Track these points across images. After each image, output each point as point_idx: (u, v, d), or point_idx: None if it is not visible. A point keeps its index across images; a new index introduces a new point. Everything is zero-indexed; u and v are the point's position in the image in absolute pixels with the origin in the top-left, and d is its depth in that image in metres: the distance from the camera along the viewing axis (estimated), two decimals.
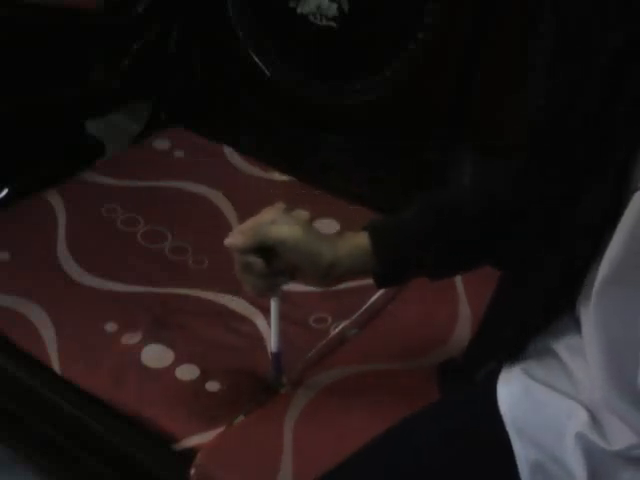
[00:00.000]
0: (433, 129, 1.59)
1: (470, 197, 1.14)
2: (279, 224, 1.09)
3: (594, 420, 0.99)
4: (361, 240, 1.12)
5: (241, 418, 1.23)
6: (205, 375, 1.29)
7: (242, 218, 1.54)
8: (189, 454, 1.20)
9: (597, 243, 0.94)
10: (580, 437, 0.98)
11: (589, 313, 0.96)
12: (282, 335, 1.22)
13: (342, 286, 1.43)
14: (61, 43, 1.66)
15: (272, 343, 1.22)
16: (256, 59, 1.72)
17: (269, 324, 1.34)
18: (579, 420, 0.99)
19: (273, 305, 1.19)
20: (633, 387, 0.95)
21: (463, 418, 1.06)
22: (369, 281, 1.43)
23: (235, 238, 1.10)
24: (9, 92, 1.61)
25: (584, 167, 0.95)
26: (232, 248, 1.10)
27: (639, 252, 0.90)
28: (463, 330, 1.36)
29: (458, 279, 1.45)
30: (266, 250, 1.09)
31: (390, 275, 1.14)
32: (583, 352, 1.00)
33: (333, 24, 1.61)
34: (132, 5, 1.74)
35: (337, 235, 1.16)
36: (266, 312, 1.35)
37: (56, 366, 1.31)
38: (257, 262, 1.10)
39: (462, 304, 1.40)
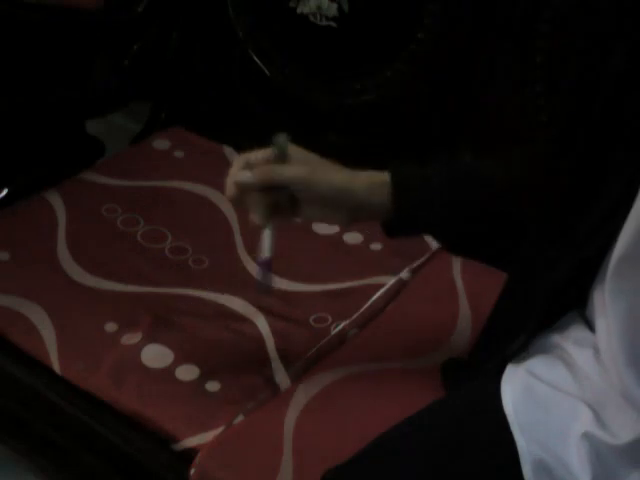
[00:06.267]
0: (433, 129, 1.59)
1: (495, 171, 1.14)
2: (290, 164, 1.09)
3: (598, 418, 0.99)
4: (382, 177, 1.11)
5: (241, 418, 1.23)
6: (205, 375, 1.29)
7: (242, 218, 1.56)
8: (189, 454, 1.20)
9: (611, 233, 0.94)
10: (586, 436, 0.98)
11: (604, 297, 0.96)
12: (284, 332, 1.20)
13: (342, 286, 1.45)
14: (61, 43, 1.66)
15: (264, 250, 1.14)
16: (256, 59, 1.72)
17: (269, 323, 1.35)
18: (583, 419, 0.99)
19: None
20: None
21: (467, 416, 1.06)
22: (369, 281, 1.45)
23: (244, 175, 1.09)
24: (9, 92, 1.61)
25: (598, 163, 0.96)
26: (244, 185, 1.09)
27: None
28: (463, 329, 1.36)
29: (458, 279, 1.45)
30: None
31: (401, 230, 1.13)
32: (591, 345, 1.00)
33: (333, 24, 1.61)
34: (132, 5, 1.74)
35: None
36: (266, 312, 1.35)
37: (56, 366, 1.31)
38: (246, 175, 1.08)
39: (462, 304, 1.40)
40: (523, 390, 1.04)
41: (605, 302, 0.97)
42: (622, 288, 0.95)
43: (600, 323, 0.99)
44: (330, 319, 1.39)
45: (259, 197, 1.09)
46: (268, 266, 1.15)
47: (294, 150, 1.11)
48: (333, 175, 1.11)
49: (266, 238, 1.14)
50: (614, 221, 0.94)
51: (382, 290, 1.43)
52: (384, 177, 1.11)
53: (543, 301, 1.03)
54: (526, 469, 0.99)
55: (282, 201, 1.10)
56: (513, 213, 1.13)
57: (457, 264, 1.48)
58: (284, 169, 1.09)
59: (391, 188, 1.10)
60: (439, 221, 1.14)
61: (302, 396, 1.26)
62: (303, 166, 1.10)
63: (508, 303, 1.09)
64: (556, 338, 1.05)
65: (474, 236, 1.21)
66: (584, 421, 0.99)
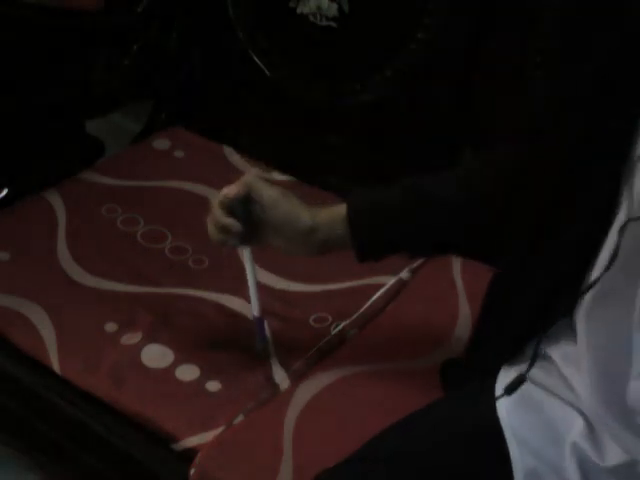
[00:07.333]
0: (433, 129, 1.59)
1: (455, 187, 1.14)
2: (263, 182, 1.17)
3: (591, 430, 0.98)
4: (340, 211, 1.15)
5: (241, 418, 1.23)
6: (205, 375, 1.29)
7: None
8: (189, 454, 1.20)
9: (591, 250, 0.94)
10: (575, 447, 0.98)
11: (582, 324, 0.96)
12: (284, 332, 1.23)
13: (342, 286, 1.45)
14: (61, 43, 1.66)
15: (252, 307, 1.24)
16: (256, 59, 1.72)
17: (269, 323, 1.35)
18: (576, 429, 0.99)
19: (247, 267, 1.22)
20: (621, 402, 0.94)
21: (461, 420, 1.06)
22: (369, 281, 1.45)
23: (229, 189, 1.17)
24: (9, 92, 1.61)
25: (580, 171, 0.96)
26: (226, 198, 1.16)
27: (625, 269, 0.90)
28: (463, 330, 1.35)
29: (458, 279, 1.45)
30: (247, 205, 1.16)
31: (367, 253, 1.16)
32: (577, 361, 1.00)
33: (333, 24, 1.61)
34: (132, 5, 1.74)
35: (320, 206, 1.19)
36: (266, 312, 1.34)
37: (56, 366, 1.31)
38: (234, 224, 1.16)
39: (462, 304, 1.40)
40: (518, 394, 1.03)
41: (582, 329, 0.97)
42: (595, 323, 0.95)
43: (579, 347, 0.98)
44: (330, 319, 1.39)
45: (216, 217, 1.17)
46: (260, 323, 1.25)
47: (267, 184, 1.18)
48: (299, 212, 1.16)
49: (252, 296, 1.23)
50: (593, 236, 0.94)
51: (382, 290, 1.43)
52: (343, 211, 1.15)
53: (531, 308, 1.02)
54: (518, 477, 0.99)
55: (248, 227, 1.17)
56: (477, 230, 1.14)
57: (457, 264, 1.48)
58: (259, 182, 1.17)
59: (347, 222, 1.14)
60: (400, 243, 1.16)
61: (302, 396, 1.26)
62: (276, 190, 1.17)
63: (497, 305, 1.08)
64: (548, 348, 1.04)
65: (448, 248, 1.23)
66: (576, 431, 0.99)
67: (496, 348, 1.07)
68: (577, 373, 1.00)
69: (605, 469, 0.97)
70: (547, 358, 1.04)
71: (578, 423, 0.99)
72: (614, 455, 0.97)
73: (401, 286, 1.45)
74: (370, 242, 1.15)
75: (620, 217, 0.92)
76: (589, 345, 0.96)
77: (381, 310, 1.41)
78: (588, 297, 0.94)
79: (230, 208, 1.17)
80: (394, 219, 1.14)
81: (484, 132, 1.53)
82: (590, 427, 0.99)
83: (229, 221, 1.16)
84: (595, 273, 0.94)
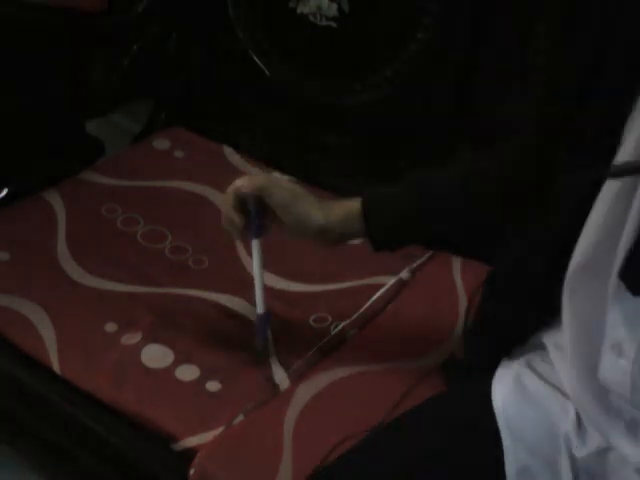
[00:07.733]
0: (433, 130, 1.59)
1: (456, 187, 1.15)
2: (275, 184, 1.17)
3: (578, 419, 0.99)
4: (355, 206, 1.16)
5: (241, 418, 1.23)
6: (205, 375, 1.29)
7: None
8: (189, 454, 1.20)
9: (576, 230, 0.94)
10: (566, 439, 0.98)
11: (566, 298, 0.97)
12: (284, 332, 1.23)
13: (342, 286, 1.45)
14: (61, 43, 1.66)
15: (257, 303, 1.24)
16: (256, 59, 1.72)
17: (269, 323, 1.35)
18: (569, 420, 0.99)
19: (255, 262, 1.22)
20: (595, 379, 0.94)
21: (460, 418, 1.06)
22: (369, 281, 1.45)
23: (242, 183, 1.17)
24: (9, 92, 1.61)
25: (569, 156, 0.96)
26: (238, 191, 1.17)
27: (607, 241, 0.90)
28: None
29: (458, 279, 1.45)
30: (261, 203, 1.17)
31: (383, 244, 1.17)
32: (562, 342, 1.00)
33: (333, 24, 1.61)
34: (132, 5, 1.74)
35: (333, 200, 1.19)
36: None
37: (56, 366, 1.31)
38: (236, 219, 1.17)
39: (462, 303, 1.40)
40: (514, 382, 1.03)
41: (565, 306, 0.97)
42: (575, 299, 0.95)
43: (564, 327, 0.99)
44: (330, 319, 1.39)
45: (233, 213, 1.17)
46: (263, 320, 1.25)
47: (282, 178, 1.22)
48: (310, 213, 1.16)
49: (257, 291, 1.23)
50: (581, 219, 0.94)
51: (382, 290, 1.43)
52: (357, 207, 1.16)
53: (531, 305, 1.02)
54: (510, 471, 0.99)
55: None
56: (486, 221, 1.14)
57: (457, 264, 1.48)
58: (270, 184, 1.18)
59: (362, 218, 1.15)
60: (415, 236, 1.19)
61: (302, 396, 1.26)
62: (288, 194, 1.17)
63: (494, 303, 1.08)
64: (544, 338, 1.04)
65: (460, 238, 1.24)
66: (569, 422, 0.99)
67: (494, 345, 1.07)
68: (561, 357, 1.00)
69: (585, 458, 0.97)
70: (543, 346, 1.05)
71: (571, 414, 0.99)
72: (593, 442, 0.97)
73: (401, 286, 1.45)
74: (385, 237, 1.16)
75: None
76: (571, 319, 0.96)
77: (381, 310, 1.41)
78: (571, 269, 0.94)
79: (242, 203, 1.18)
80: (405, 216, 1.15)
81: (484, 132, 1.53)
82: (578, 416, 0.99)
83: (232, 214, 1.17)
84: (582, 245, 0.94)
